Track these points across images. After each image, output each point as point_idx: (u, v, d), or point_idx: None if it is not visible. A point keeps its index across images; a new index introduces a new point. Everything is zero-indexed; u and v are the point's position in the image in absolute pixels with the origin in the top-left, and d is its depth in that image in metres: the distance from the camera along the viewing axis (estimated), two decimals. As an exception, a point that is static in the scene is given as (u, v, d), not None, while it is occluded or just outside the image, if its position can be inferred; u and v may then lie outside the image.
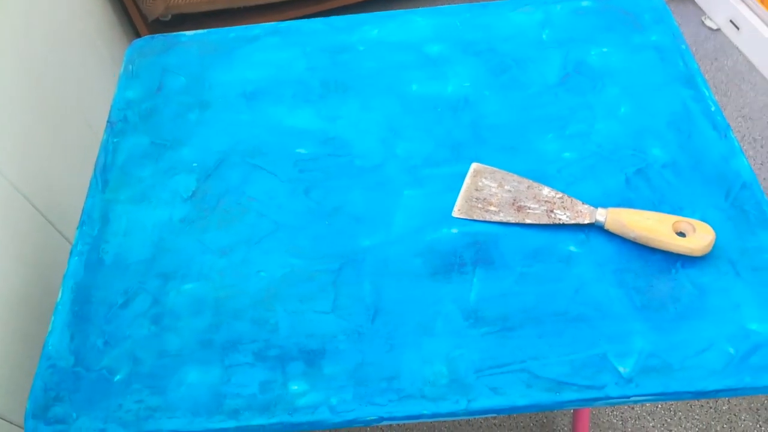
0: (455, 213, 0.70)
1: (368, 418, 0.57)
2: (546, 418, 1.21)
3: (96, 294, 0.69)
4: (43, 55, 1.11)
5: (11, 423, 0.77)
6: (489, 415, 0.57)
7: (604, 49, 0.84)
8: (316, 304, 0.65)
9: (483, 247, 0.67)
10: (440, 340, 0.61)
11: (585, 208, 0.67)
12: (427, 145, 0.77)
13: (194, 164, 0.79)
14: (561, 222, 0.67)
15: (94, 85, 1.27)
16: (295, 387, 0.60)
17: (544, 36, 0.87)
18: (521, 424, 1.20)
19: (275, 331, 0.64)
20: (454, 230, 0.69)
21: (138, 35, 1.71)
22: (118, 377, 0.63)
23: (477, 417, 0.57)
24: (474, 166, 0.74)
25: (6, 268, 0.86)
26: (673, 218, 0.64)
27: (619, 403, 0.56)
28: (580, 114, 0.78)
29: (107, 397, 0.61)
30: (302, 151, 0.79)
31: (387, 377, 0.60)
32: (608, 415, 1.20)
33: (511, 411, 0.57)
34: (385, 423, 0.57)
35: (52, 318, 0.69)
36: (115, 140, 0.82)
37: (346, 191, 0.74)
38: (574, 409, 1.13)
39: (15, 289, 0.86)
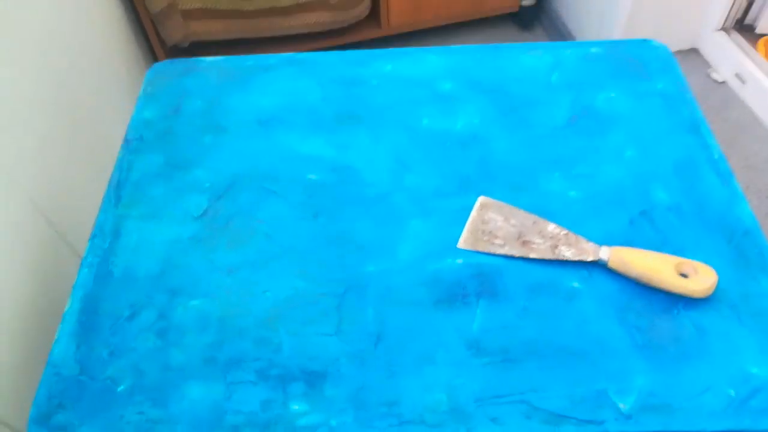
0: (461, 244, 0.71)
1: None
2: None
3: (103, 306, 0.70)
4: (63, 72, 1.13)
5: (14, 430, 0.76)
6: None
7: (612, 94, 0.86)
8: (319, 327, 0.65)
9: (487, 278, 0.67)
10: (441, 369, 0.61)
11: (589, 246, 0.68)
12: (435, 178, 0.78)
13: (206, 185, 0.80)
14: (565, 258, 0.67)
15: (112, 105, 1.29)
16: (296, 407, 0.60)
17: (553, 79, 0.89)
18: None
19: (278, 351, 0.64)
20: (459, 261, 0.69)
21: (156, 60, 1.74)
22: (121, 388, 0.63)
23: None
24: (481, 199, 0.75)
25: (15, 277, 0.86)
26: (676, 259, 0.64)
27: (618, 439, 0.56)
28: (586, 156, 0.79)
29: (110, 407, 0.61)
30: (313, 177, 0.80)
31: (387, 402, 0.59)
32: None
33: (510, 442, 0.56)
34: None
35: (59, 327, 0.69)
36: (130, 158, 0.83)
37: (353, 218, 0.75)
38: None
39: (23, 298, 0.86)
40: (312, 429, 0.58)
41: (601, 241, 0.69)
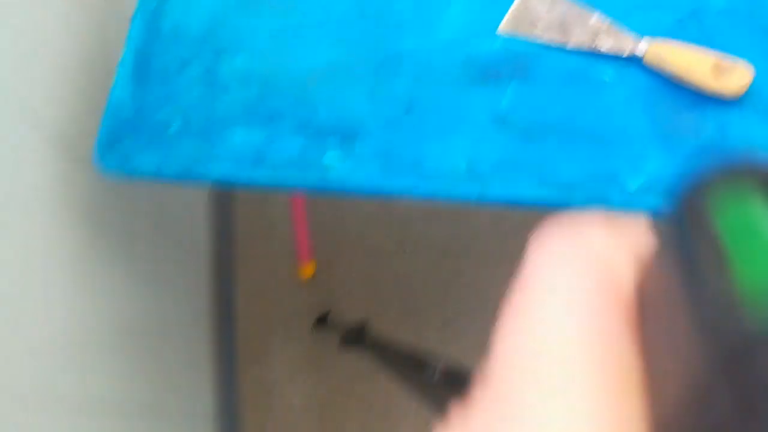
0: (501, 28, 0.71)
1: (392, 192, 0.62)
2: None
3: (154, 59, 0.74)
4: None
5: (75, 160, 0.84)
6: (500, 204, 0.61)
7: None
8: (354, 92, 0.69)
9: (522, 62, 0.69)
10: (465, 138, 0.65)
11: (629, 37, 0.68)
12: None
13: None
14: (602, 50, 0.68)
15: None
16: (330, 156, 0.65)
17: None
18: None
19: (315, 111, 0.68)
20: (498, 44, 0.70)
21: None
22: (172, 129, 0.68)
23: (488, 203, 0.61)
24: (529, -14, 0.74)
25: (69, 31, 0.90)
26: (715, 57, 0.64)
27: (623, 211, 0.60)
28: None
29: (162, 144, 0.67)
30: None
31: (411, 162, 0.64)
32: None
33: (520, 204, 0.61)
34: (405, 198, 0.62)
35: (116, 74, 0.73)
36: None
37: None
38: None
39: (80, 49, 0.91)
40: (343, 175, 0.63)
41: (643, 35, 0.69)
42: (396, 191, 0.62)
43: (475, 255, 1.24)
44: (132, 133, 0.68)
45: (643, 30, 0.70)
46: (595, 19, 0.70)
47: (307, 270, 1.24)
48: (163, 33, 0.75)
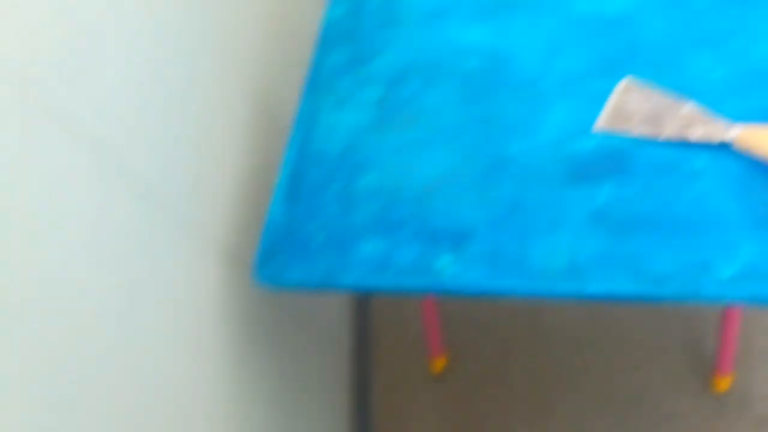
0: (598, 125, 0.78)
1: (498, 292, 0.71)
2: (695, 333, 1.25)
3: (304, 178, 0.89)
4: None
5: (237, 266, 1.02)
6: (598, 301, 0.67)
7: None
8: (466, 196, 0.79)
9: (617, 158, 0.75)
10: (565, 236, 0.72)
11: (719, 124, 0.71)
12: (584, 60, 0.84)
13: (383, 76, 0.94)
14: (693, 139, 0.72)
15: (309, 5, 1.46)
16: (443, 260, 0.75)
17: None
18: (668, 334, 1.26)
19: (430, 217, 0.79)
20: (594, 141, 0.77)
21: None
22: (315, 243, 0.83)
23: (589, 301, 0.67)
24: (625, 81, 0.80)
25: (235, 149, 1.09)
26: (809, 140, 0.66)
27: (717, 302, 0.64)
28: (741, 31, 0.79)
29: (307, 257, 0.82)
30: (471, 64, 0.90)
31: (518, 261, 0.72)
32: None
33: (616, 299, 0.67)
34: (511, 297, 0.71)
35: (274, 194, 0.90)
36: (322, 53, 1.00)
37: (504, 102, 0.85)
38: (723, 321, 1.16)
39: (245, 166, 1.10)
40: (454, 278, 0.73)
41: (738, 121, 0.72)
42: (502, 292, 0.70)
43: (608, 345, 1.26)
44: (284, 248, 0.83)
45: (734, 115, 0.73)
46: (687, 109, 0.74)
47: (438, 364, 1.32)
48: (311, 156, 0.91)
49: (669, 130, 0.74)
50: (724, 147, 0.71)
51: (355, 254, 0.79)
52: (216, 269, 0.91)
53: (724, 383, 1.15)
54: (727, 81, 0.76)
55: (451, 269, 0.73)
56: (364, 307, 1.42)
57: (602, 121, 0.78)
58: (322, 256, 0.80)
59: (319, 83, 0.97)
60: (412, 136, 0.87)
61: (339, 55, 0.99)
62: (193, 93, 0.85)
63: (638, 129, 0.75)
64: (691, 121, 0.73)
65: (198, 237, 0.90)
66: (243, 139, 1.07)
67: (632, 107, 0.77)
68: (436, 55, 0.92)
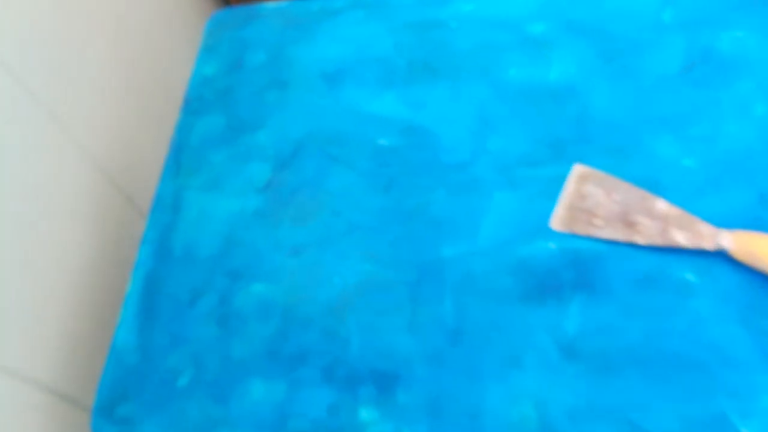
0: (553, 224, 0.62)
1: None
2: None
3: (164, 288, 0.66)
4: (130, 30, 1.08)
5: (73, 404, 0.75)
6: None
7: (739, 33, 0.72)
8: (391, 320, 0.59)
9: (584, 267, 0.59)
10: (529, 375, 0.54)
11: (707, 230, 0.57)
12: (524, 141, 0.69)
13: (270, 151, 0.73)
14: (678, 245, 0.57)
15: (178, 59, 1.23)
16: (366, 414, 0.54)
17: (665, 16, 0.75)
18: None
19: (346, 346, 0.58)
20: (552, 245, 0.61)
21: (228, 2, 1.66)
22: (182, 381, 0.59)
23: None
24: (578, 168, 0.65)
25: (83, 243, 0.84)
26: (819, 250, 0.53)
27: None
28: (705, 112, 0.67)
29: (171, 402, 0.58)
30: (383, 142, 0.72)
31: (468, 413, 0.53)
32: None
33: (608, 469, 0.49)
34: (462, 468, 0.51)
35: (122, 310, 0.66)
36: (190, 120, 0.78)
37: (429, 190, 0.67)
38: None
39: (91, 263, 0.84)
40: (383, 442, 0.52)
41: (723, 223, 0.59)
42: (453, 463, 0.51)
43: None
44: (134, 393, 0.59)
45: (719, 215, 0.60)
46: (661, 206, 0.60)
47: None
48: (174, 257, 0.68)
49: (644, 232, 0.59)
50: (715, 255, 0.57)
51: (240, 400, 0.57)
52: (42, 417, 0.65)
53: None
54: (698, 171, 0.63)
55: (377, 428, 0.53)
56: None
57: (557, 220, 0.62)
58: (191, 402, 0.57)
59: (185, 159, 0.75)
60: (312, 233, 0.66)
61: (211, 123, 0.77)
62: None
63: (604, 231, 0.60)
64: (669, 222, 0.59)
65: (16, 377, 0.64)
66: (84, 233, 0.81)
67: (592, 202, 0.62)
68: (339, 127, 0.73)
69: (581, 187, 0.63)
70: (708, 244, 0.57)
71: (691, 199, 0.61)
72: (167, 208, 0.71)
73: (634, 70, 0.71)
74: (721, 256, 0.57)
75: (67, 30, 0.92)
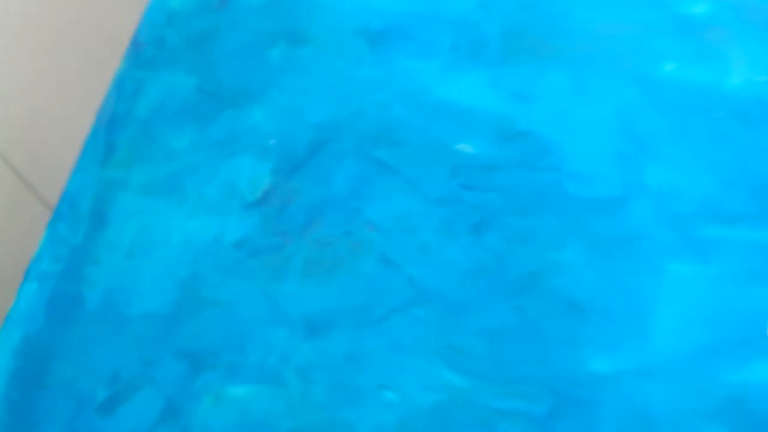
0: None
1: None
2: None
3: (57, 372, 0.36)
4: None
5: None
6: None
7: None
8: None
9: None
10: None
11: None
12: (706, 179, 0.42)
13: (271, 141, 0.44)
14: None
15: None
16: None
17: None
18: None
19: None
20: (791, 373, 0.34)
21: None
22: None
23: None
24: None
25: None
26: None
27: None
28: None
29: None
30: (467, 148, 0.44)
31: None
32: None
33: None
34: None
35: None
36: (138, 78, 0.48)
37: (554, 244, 0.40)
38: None
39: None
40: None
41: None
42: None
43: None
44: None
45: None
46: None
47: None
48: (84, 310, 0.37)
49: None
50: None
51: None
52: None
53: None
54: None
55: None
56: None
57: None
58: None
59: (123, 138, 0.44)
60: (341, 296, 0.38)
61: (173, 84, 0.47)
62: None
63: None
64: None
65: None
66: None
67: None
68: (390, 116, 0.45)
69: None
70: None
71: None
72: (81, 218, 0.41)
73: None
74: None
75: None
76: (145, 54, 0.50)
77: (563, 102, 0.46)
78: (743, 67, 0.48)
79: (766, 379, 0.34)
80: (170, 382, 0.35)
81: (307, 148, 0.44)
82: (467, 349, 0.36)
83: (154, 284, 0.38)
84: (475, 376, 0.36)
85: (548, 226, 0.41)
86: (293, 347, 0.36)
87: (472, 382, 0.36)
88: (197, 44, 0.50)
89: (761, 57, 0.48)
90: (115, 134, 0.44)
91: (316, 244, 0.40)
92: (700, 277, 0.38)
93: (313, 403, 0.35)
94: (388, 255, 0.39)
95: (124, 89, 0.46)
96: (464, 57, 0.48)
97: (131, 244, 0.40)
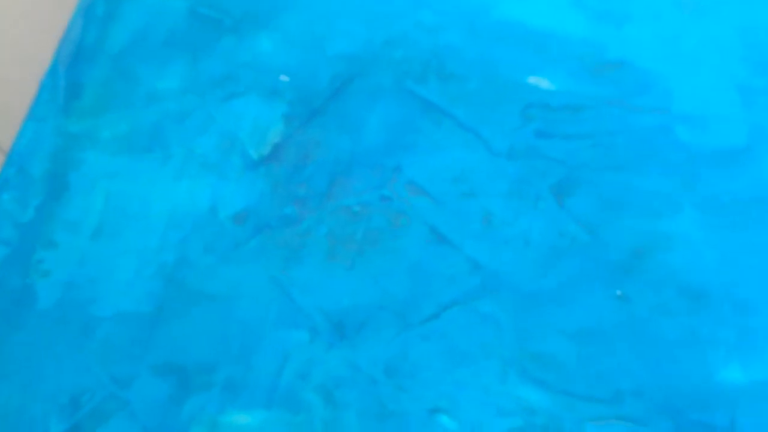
0: None
1: None
2: None
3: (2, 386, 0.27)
4: None
5: None
6: None
7: None
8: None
9: None
10: None
11: None
12: None
13: (283, 77, 0.35)
14: None
15: None
16: None
17: None
18: None
19: None
20: None
21: None
22: None
23: None
24: None
25: None
26: None
27: None
28: None
29: None
30: (543, 83, 0.34)
31: None
32: None
33: None
34: None
35: None
36: (111, -3, 0.38)
37: (660, 209, 0.30)
38: None
39: None
40: None
41: None
42: None
43: None
44: None
45: None
46: None
47: None
48: (36, 310, 0.29)
49: None
50: None
51: None
52: None
53: None
54: None
55: None
56: None
57: None
58: None
59: (90, 78, 0.35)
60: (383, 284, 0.29)
61: (154, 7, 0.38)
62: None
63: None
64: None
65: None
66: None
67: None
68: (443, 42, 0.35)
69: None
70: None
71: None
72: (32, 186, 0.32)
73: None
74: None
75: None
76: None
77: (666, 23, 0.36)
78: None
79: None
80: (149, 408, 0.26)
81: (329, 86, 0.34)
82: (551, 356, 0.27)
83: (129, 274, 0.29)
84: (562, 393, 0.27)
85: (654, 185, 0.31)
86: (315, 357, 0.27)
87: (558, 402, 0.26)
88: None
89: None
90: (80, 72, 0.35)
91: (344, 215, 0.31)
92: None
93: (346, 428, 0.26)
94: (440, 229, 0.30)
95: (94, 14, 0.37)
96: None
97: (99, 220, 0.31)
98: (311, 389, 0.29)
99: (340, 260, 0.32)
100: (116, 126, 0.36)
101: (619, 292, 0.30)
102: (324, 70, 0.38)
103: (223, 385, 0.29)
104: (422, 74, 0.38)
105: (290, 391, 0.29)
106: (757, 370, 0.28)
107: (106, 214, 0.33)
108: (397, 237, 0.33)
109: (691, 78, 0.37)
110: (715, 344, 0.29)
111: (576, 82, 0.36)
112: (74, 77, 0.38)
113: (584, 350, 0.29)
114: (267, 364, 0.29)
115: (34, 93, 0.37)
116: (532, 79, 0.35)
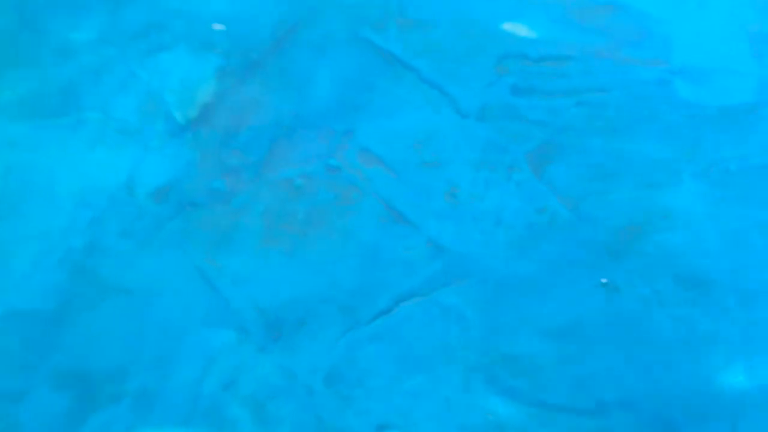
0: None
1: None
2: None
3: None
4: None
5: None
6: None
7: None
8: None
9: None
10: None
11: None
12: None
13: (217, 26, 0.30)
14: None
15: None
16: None
17: None
18: None
19: None
20: None
21: None
22: None
23: None
24: None
25: None
26: None
27: None
28: None
29: None
30: (523, 31, 0.29)
31: None
32: None
33: None
34: None
35: None
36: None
37: (657, 178, 0.26)
38: None
39: None
40: None
41: None
42: None
43: None
44: None
45: None
46: None
47: None
48: None
49: None
50: None
51: None
52: None
53: None
54: None
55: None
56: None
57: None
58: None
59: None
60: (332, 267, 0.25)
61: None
62: None
63: None
64: None
65: None
66: None
67: None
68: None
69: None
70: None
71: None
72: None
73: None
74: None
75: None
76: None
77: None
78: None
79: None
80: (43, 428, 0.22)
81: (271, 35, 0.29)
82: (524, 359, 0.23)
83: (27, 264, 0.25)
84: (536, 405, 0.23)
85: (649, 152, 0.27)
86: (244, 362, 0.23)
87: (532, 415, 0.23)
88: None
89: None
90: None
91: (284, 189, 0.26)
92: None
93: (280, 444, 0.22)
94: (397, 205, 0.26)
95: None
96: None
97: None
98: (238, 401, 0.25)
99: (278, 245, 0.28)
100: (19, 86, 0.32)
101: (605, 280, 0.26)
102: (265, 17, 0.33)
103: (135, 396, 0.25)
104: (380, 21, 0.32)
105: (214, 404, 0.25)
106: (764, 373, 0.25)
107: (3, 190, 0.29)
108: (346, 215, 0.28)
109: (693, 25, 0.32)
110: (715, 342, 0.25)
111: (559, 29, 0.31)
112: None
113: (564, 351, 0.26)
114: (187, 370, 0.25)
115: None
116: (508, 26, 0.30)
